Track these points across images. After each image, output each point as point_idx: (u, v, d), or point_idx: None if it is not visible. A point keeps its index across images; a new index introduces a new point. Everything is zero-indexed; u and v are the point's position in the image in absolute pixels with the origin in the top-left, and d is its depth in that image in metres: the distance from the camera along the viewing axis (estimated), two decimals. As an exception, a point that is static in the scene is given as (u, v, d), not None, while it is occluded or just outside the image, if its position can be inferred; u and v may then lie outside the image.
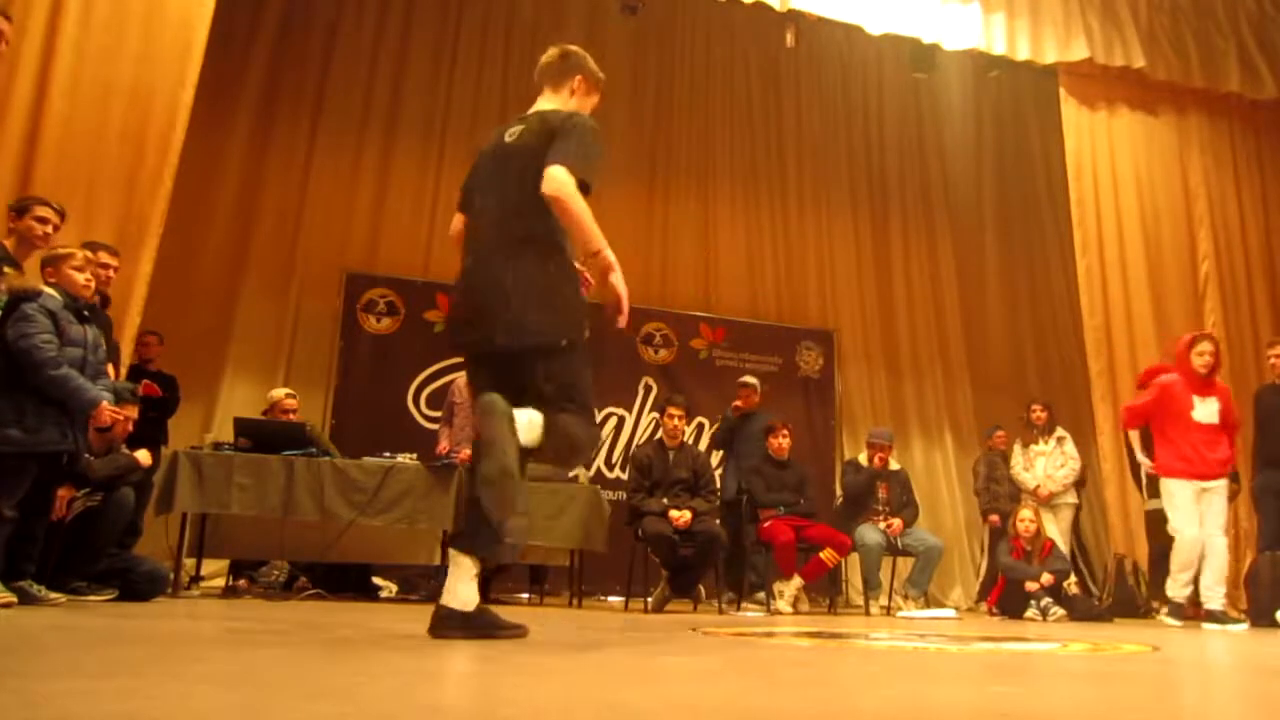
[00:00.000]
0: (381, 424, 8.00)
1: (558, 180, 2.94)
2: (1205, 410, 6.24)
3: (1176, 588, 6.23)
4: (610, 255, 2.97)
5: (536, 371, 2.99)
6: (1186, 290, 8.75)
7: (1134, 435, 6.53)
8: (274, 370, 8.26)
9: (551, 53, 3.42)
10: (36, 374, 4.02)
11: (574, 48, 3.44)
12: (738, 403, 7.84)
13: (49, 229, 4.42)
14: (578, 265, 3.20)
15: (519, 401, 2.88)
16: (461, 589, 2.93)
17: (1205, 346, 6.32)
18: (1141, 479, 7.28)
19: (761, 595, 6.95)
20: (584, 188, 3.00)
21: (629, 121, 9.89)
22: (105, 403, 4.23)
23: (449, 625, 2.90)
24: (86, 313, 4.44)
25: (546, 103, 3.36)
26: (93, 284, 4.51)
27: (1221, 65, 9.11)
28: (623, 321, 3.10)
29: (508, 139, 3.24)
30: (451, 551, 3.05)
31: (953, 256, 10.74)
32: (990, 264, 10.93)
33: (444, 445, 6.56)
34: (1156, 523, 7.47)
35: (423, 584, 6.44)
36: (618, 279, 2.98)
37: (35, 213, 4.39)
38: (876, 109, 10.85)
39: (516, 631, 3.04)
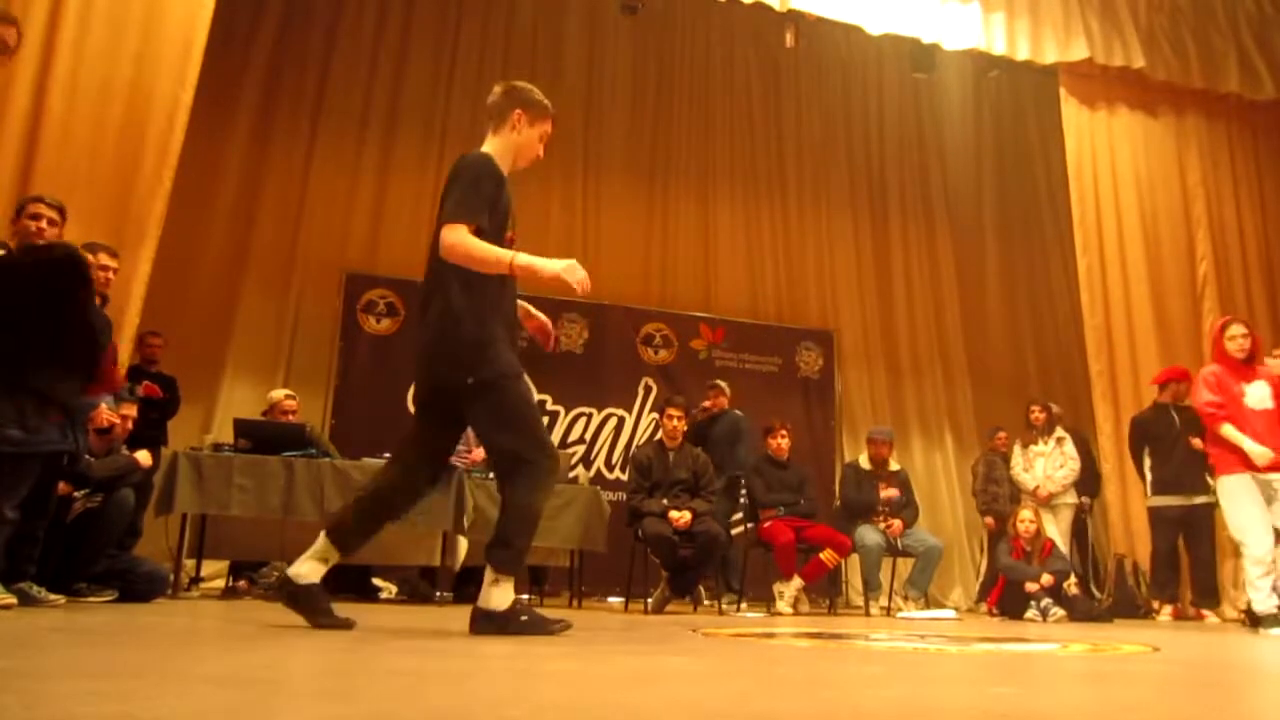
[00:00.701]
0: (381, 425, 7.97)
1: (445, 242, 3.15)
2: (1256, 395, 5.74)
3: (1261, 598, 5.46)
4: (540, 264, 3.17)
5: (465, 413, 3.27)
6: (1185, 290, 8.76)
7: (1228, 429, 5.73)
8: (274, 371, 8.26)
9: (495, 90, 3.49)
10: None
11: (518, 83, 3.51)
12: (706, 404, 7.80)
13: (42, 224, 4.37)
14: (533, 321, 3.59)
15: (455, 433, 3.43)
16: (495, 592, 3.29)
17: (1236, 330, 5.87)
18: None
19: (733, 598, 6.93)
20: (478, 232, 3.19)
21: (629, 122, 9.90)
22: (104, 404, 4.23)
23: (485, 623, 3.23)
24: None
25: (488, 144, 3.44)
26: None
27: (1221, 66, 9.12)
28: (550, 345, 3.63)
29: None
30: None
31: (953, 256, 10.74)
32: (990, 264, 10.94)
33: (478, 454, 6.54)
34: (1159, 520, 7.48)
35: (419, 584, 6.43)
36: (570, 275, 3.19)
37: (28, 210, 4.37)
38: (876, 109, 10.86)
39: (560, 626, 3.37)
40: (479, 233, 3.19)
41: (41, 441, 4.04)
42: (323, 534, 3.34)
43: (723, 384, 7.96)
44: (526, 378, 3.34)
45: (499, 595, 3.26)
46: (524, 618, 3.27)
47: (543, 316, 3.58)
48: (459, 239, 3.13)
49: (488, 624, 3.21)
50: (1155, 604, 7.50)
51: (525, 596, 7.13)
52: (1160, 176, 8.98)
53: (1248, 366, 5.84)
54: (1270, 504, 5.50)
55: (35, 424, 4.02)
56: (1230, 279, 8.93)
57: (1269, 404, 5.71)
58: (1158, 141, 9.08)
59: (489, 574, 3.27)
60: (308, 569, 3.27)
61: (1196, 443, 6.37)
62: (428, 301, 3.28)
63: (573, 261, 3.21)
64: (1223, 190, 9.15)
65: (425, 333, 3.27)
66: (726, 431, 7.55)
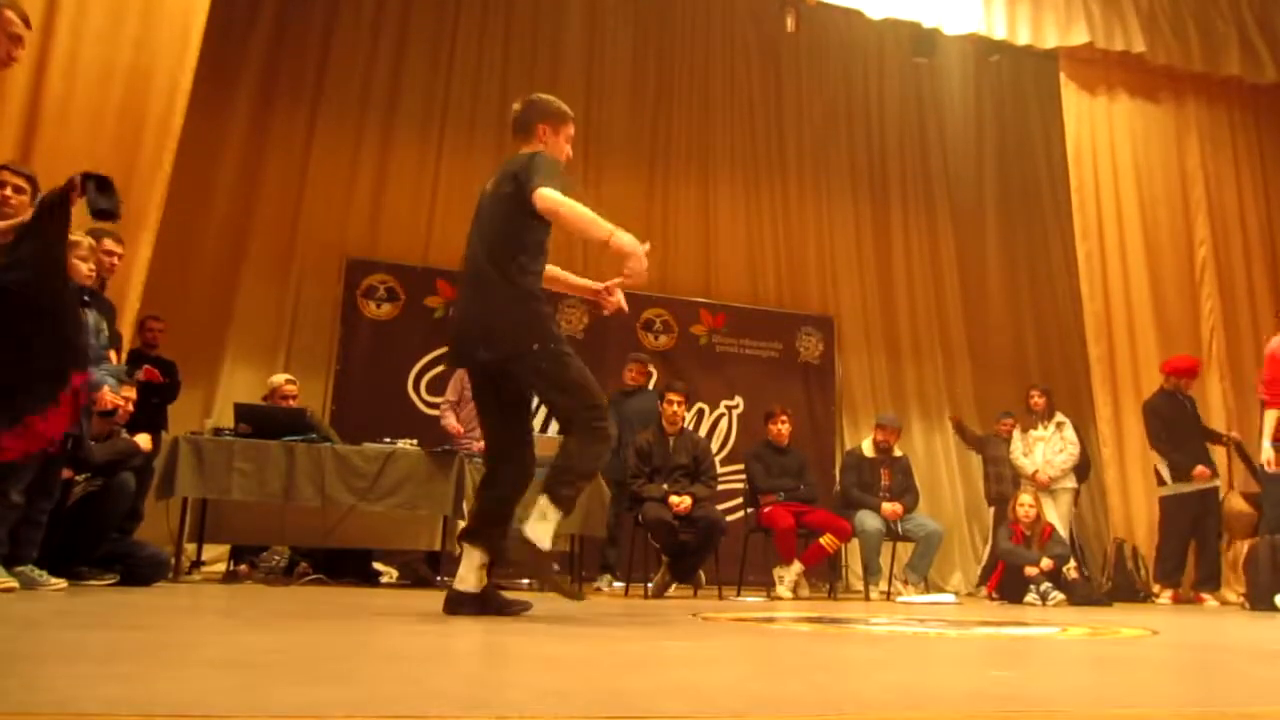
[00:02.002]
0: (382, 410, 8.00)
1: (544, 196, 3.30)
2: None
3: None
4: (624, 237, 3.30)
5: (524, 377, 3.45)
6: (1184, 275, 8.76)
7: (1272, 416, 5.73)
8: (274, 356, 8.25)
9: (515, 108, 3.73)
10: None
11: (535, 96, 3.77)
12: (630, 376, 7.73)
13: (7, 191, 4.20)
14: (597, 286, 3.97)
15: (521, 413, 3.64)
16: (470, 574, 3.42)
17: None
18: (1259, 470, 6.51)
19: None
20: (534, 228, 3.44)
21: (629, 107, 9.86)
22: (107, 387, 4.22)
23: (460, 604, 3.37)
24: (87, 298, 4.42)
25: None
26: (95, 273, 4.50)
27: (1222, 49, 9.08)
28: (611, 307, 3.96)
29: (487, 188, 3.61)
30: (463, 543, 3.54)
31: (953, 242, 10.72)
32: (990, 249, 10.91)
33: (455, 425, 6.54)
34: (1175, 508, 7.45)
35: (421, 569, 6.45)
36: (635, 251, 3.31)
37: (2, 177, 4.26)
38: (877, 94, 10.81)
39: (521, 607, 3.48)
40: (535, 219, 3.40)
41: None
42: (467, 545, 3.52)
43: (645, 358, 7.85)
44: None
45: (543, 529, 3.35)
46: (556, 567, 3.47)
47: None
48: (561, 199, 3.30)
49: (525, 550, 3.32)
50: (1156, 588, 7.51)
51: (525, 581, 7.16)
52: (1160, 161, 8.95)
53: None
54: None
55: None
56: (1230, 264, 8.91)
57: None
58: (1158, 126, 9.05)
59: (540, 503, 3.38)
60: (473, 579, 3.45)
61: (1235, 434, 6.35)
62: (480, 285, 3.47)
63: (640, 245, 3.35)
64: (1224, 174, 9.12)
65: (487, 310, 3.45)
66: (649, 408, 7.44)
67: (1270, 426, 5.66)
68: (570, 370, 3.40)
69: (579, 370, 3.43)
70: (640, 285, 3.51)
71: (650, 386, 8.79)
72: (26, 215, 3.91)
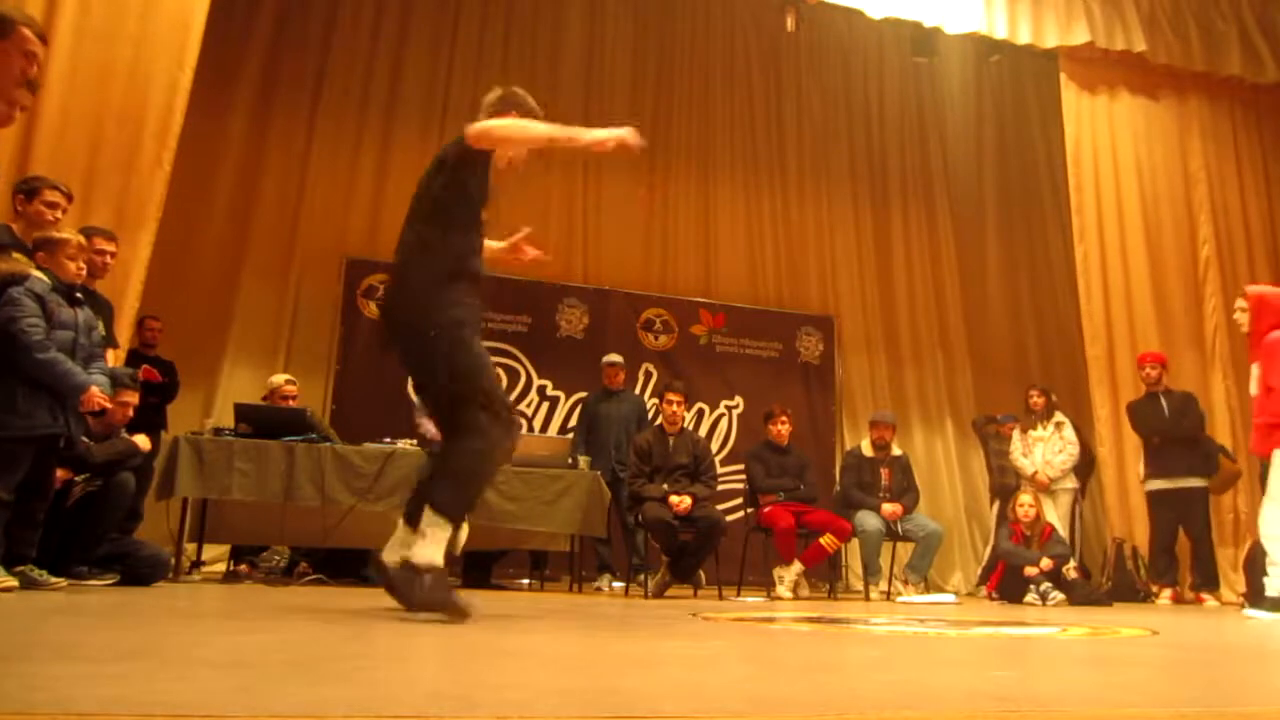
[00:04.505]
0: (381, 410, 7.97)
1: (472, 128, 3.21)
2: (1253, 378, 5.57)
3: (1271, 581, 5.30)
4: (594, 132, 3.21)
5: (420, 358, 3.27)
6: (1186, 275, 8.74)
7: None
8: (274, 356, 8.25)
9: (493, 93, 3.56)
10: (24, 358, 4.01)
11: (514, 88, 3.60)
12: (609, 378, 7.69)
13: (59, 214, 4.43)
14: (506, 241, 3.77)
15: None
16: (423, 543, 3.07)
17: (1237, 303, 5.74)
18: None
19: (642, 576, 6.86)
20: (462, 220, 3.32)
21: (629, 106, 9.85)
22: (95, 387, 4.22)
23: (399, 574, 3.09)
24: (79, 295, 4.42)
25: None
26: (84, 271, 4.50)
27: (1222, 48, 9.07)
28: (527, 255, 3.86)
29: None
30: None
31: (953, 242, 10.73)
32: (991, 249, 10.92)
33: (436, 434, 6.53)
34: (1156, 504, 7.50)
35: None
36: (612, 136, 3.21)
37: (45, 197, 4.40)
38: (877, 94, 10.82)
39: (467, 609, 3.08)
40: (463, 222, 3.30)
41: (32, 425, 4.04)
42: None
43: (620, 360, 7.80)
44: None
45: (432, 551, 3.01)
46: (430, 580, 2.97)
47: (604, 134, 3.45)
48: (492, 122, 3.23)
49: (401, 574, 3.04)
50: (1155, 588, 7.52)
51: (525, 581, 7.17)
52: (1162, 161, 8.95)
53: (1252, 344, 5.63)
54: None
55: (26, 409, 4.03)
56: (1234, 263, 8.91)
57: (1253, 388, 5.58)
58: (1159, 126, 9.05)
59: (425, 518, 3.07)
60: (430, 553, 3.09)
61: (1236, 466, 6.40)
62: (397, 271, 3.35)
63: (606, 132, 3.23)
64: (1225, 174, 9.12)
65: (399, 291, 3.33)
66: (627, 412, 7.50)
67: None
68: (463, 356, 3.18)
69: (475, 357, 3.21)
70: (635, 154, 3.33)
71: (637, 389, 8.81)
72: None
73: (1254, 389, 5.55)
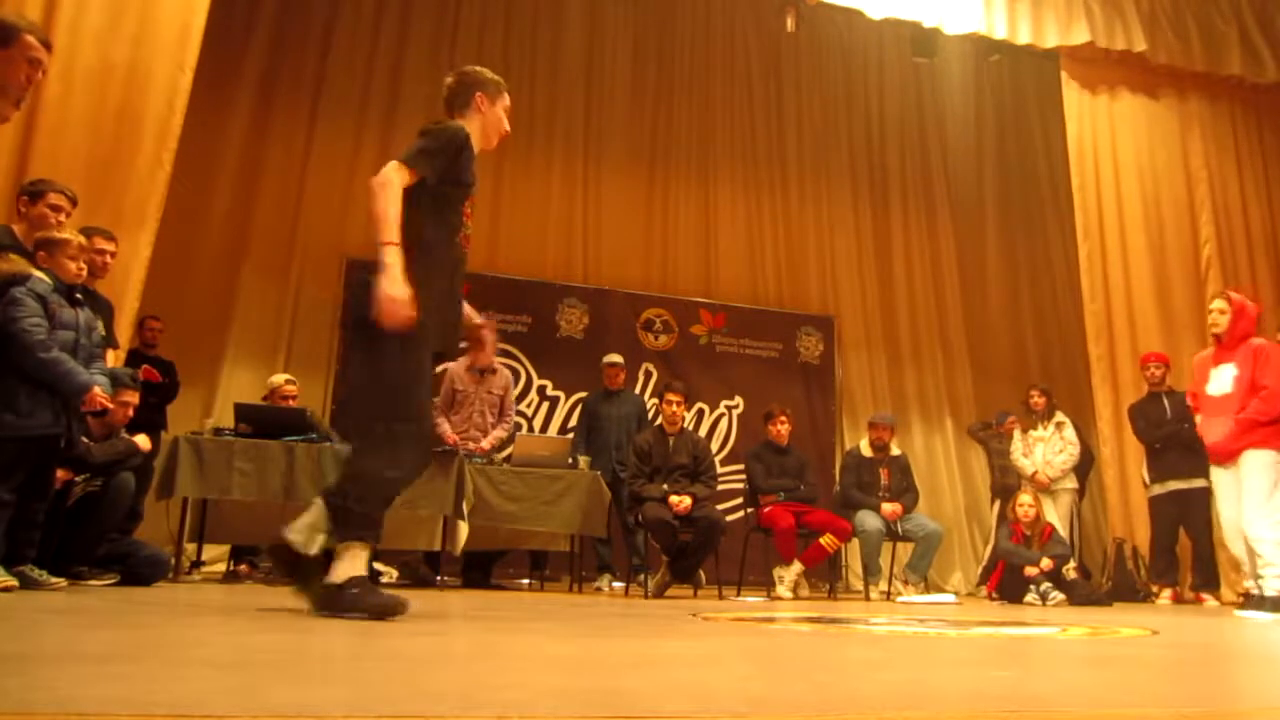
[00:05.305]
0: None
1: (382, 176, 3.12)
2: (1219, 380, 5.71)
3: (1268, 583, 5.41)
4: (391, 276, 2.93)
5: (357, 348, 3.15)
6: (1188, 274, 8.74)
7: (1198, 420, 5.88)
8: (274, 356, 8.26)
9: (447, 81, 3.52)
10: (26, 358, 4.01)
11: (467, 68, 3.54)
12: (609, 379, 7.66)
13: (62, 217, 4.43)
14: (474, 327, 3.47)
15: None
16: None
17: (1214, 305, 5.84)
18: None
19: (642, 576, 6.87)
20: (435, 190, 3.21)
21: (629, 106, 9.87)
22: (97, 387, 4.22)
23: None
24: (79, 295, 4.42)
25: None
26: (85, 271, 4.50)
27: (1223, 48, 9.08)
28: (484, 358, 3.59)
29: None
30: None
31: (953, 242, 10.73)
32: (991, 249, 10.93)
33: (451, 436, 6.55)
34: (1154, 509, 7.51)
35: (421, 569, 6.45)
36: (389, 305, 2.91)
37: (49, 200, 4.40)
38: (877, 94, 10.83)
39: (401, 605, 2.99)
40: (436, 192, 3.21)
41: (33, 425, 4.04)
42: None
43: (620, 360, 7.75)
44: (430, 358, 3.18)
45: (346, 566, 2.94)
46: (355, 590, 2.90)
47: (480, 321, 3.45)
48: (385, 181, 3.09)
49: (326, 598, 2.94)
50: (1155, 588, 7.52)
51: (525, 581, 7.17)
52: (1163, 160, 8.94)
53: (1226, 345, 5.76)
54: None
55: (28, 408, 4.03)
56: (1235, 263, 8.90)
57: (1227, 388, 5.64)
58: (1160, 125, 9.05)
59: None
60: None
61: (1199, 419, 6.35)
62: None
63: (407, 296, 2.93)
64: (1226, 173, 9.12)
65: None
66: (628, 412, 7.51)
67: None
68: (391, 361, 3.03)
69: (409, 367, 3.07)
70: (397, 325, 2.94)
71: (637, 389, 8.81)
72: None
73: (1228, 388, 5.64)
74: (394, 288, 2.92)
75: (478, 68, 3.53)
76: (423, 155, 3.20)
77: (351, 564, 2.94)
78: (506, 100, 3.53)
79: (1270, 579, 5.29)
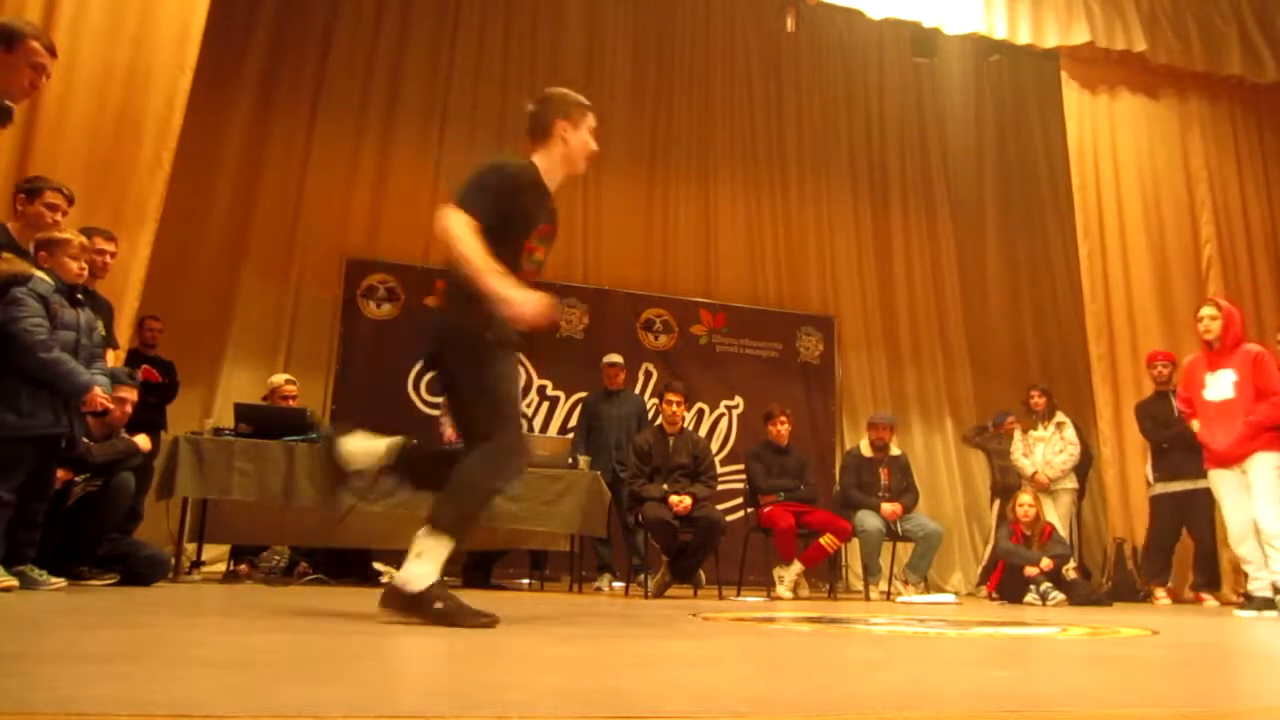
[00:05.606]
0: (381, 410, 7.99)
1: (442, 218, 3.02)
2: (1217, 385, 5.83)
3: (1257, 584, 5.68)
4: (500, 289, 2.93)
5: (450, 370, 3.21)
6: (1189, 274, 8.73)
7: (1195, 425, 6.06)
8: (274, 356, 8.26)
9: (529, 106, 3.48)
10: (27, 358, 4.01)
11: (551, 91, 3.54)
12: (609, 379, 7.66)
13: (59, 215, 4.42)
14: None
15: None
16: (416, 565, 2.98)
17: (1204, 311, 5.96)
18: None
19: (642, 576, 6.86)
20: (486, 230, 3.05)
21: (630, 107, 9.87)
22: (98, 388, 4.22)
23: (393, 600, 2.94)
24: (80, 296, 4.43)
25: (535, 157, 3.38)
26: (86, 271, 4.50)
27: (1223, 48, 9.07)
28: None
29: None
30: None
31: (953, 242, 10.73)
32: (991, 249, 10.92)
33: (450, 434, 6.56)
34: (1154, 509, 7.50)
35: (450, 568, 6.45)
36: (514, 305, 2.94)
37: (46, 199, 4.38)
38: (877, 94, 10.82)
39: (486, 620, 3.00)
40: (493, 227, 3.07)
41: (35, 426, 4.04)
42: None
43: (620, 360, 7.75)
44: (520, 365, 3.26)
45: (420, 570, 2.93)
46: (439, 605, 2.88)
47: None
48: (457, 231, 2.99)
49: (395, 601, 2.91)
50: (1150, 587, 7.49)
51: (525, 581, 7.17)
52: (1163, 160, 8.94)
53: (1219, 352, 5.86)
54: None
55: (29, 408, 4.03)
56: (1235, 262, 8.90)
57: (1229, 393, 5.74)
58: (1160, 125, 9.04)
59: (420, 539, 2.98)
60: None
61: (1195, 425, 6.38)
62: (443, 284, 3.24)
63: (526, 295, 2.97)
64: (1226, 173, 9.11)
65: (436, 310, 3.30)
66: (628, 412, 7.53)
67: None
68: (490, 374, 3.11)
69: (504, 378, 3.15)
70: (541, 326, 3.07)
71: (637, 389, 8.81)
72: None
73: (1230, 393, 5.75)
74: (509, 295, 2.93)
75: (561, 91, 3.53)
76: (474, 196, 3.11)
77: (432, 560, 2.92)
78: (592, 120, 3.51)
79: None
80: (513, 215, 3.18)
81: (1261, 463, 5.58)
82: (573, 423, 8.39)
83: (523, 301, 2.95)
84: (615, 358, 7.72)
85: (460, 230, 3.00)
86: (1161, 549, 7.46)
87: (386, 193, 8.93)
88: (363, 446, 3.28)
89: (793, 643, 3.04)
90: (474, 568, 6.63)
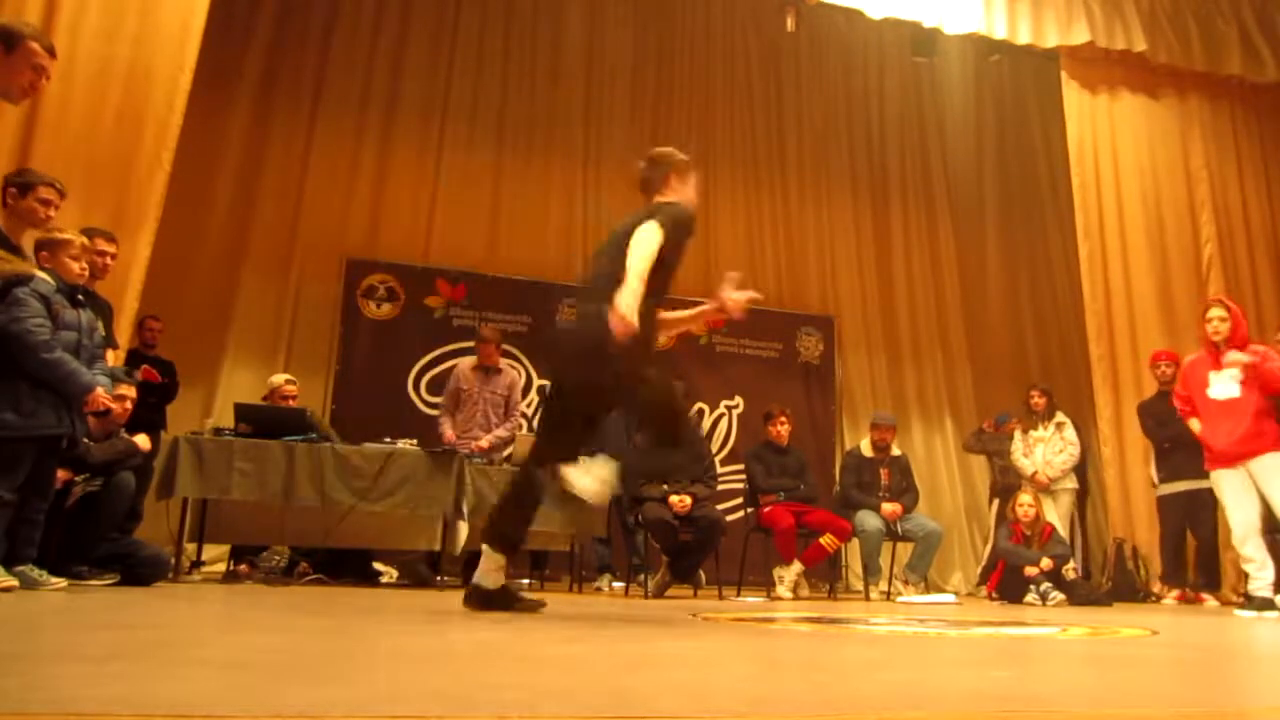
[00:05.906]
0: (381, 410, 7.99)
1: (638, 234, 3.48)
2: (1221, 384, 5.83)
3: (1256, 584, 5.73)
4: (629, 316, 3.24)
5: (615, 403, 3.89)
6: (1189, 274, 8.72)
7: (1194, 424, 6.10)
8: (274, 356, 8.25)
9: (640, 166, 4.03)
10: (30, 358, 4.01)
11: (656, 152, 4.07)
12: None
13: (52, 211, 4.39)
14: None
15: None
16: (490, 574, 3.66)
17: (1213, 312, 5.93)
18: None
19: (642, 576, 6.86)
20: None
21: (629, 107, 9.86)
22: (100, 388, 4.22)
23: (477, 599, 3.61)
24: (81, 296, 4.42)
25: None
26: (87, 272, 4.50)
27: (1223, 48, 9.07)
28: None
29: (618, 226, 3.82)
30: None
31: (953, 242, 10.72)
32: (991, 249, 10.92)
33: (450, 435, 6.56)
34: (1162, 509, 7.49)
35: (421, 569, 6.45)
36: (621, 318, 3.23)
37: (39, 194, 4.34)
38: (877, 94, 10.81)
39: (535, 605, 3.73)
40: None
41: (36, 425, 4.04)
42: (485, 546, 3.77)
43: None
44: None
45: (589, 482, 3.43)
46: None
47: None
48: (641, 250, 3.39)
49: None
50: (1164, 589, 7.48)
51: (525, 581, 7.17)
52: (1163, 160, 8.93)
53: (1224, 351, 5.85)
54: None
55: (31, 408, 4.03)
56: (1236, 262, 8.89)
57: (1234, 392, 5.75)
58: (1160, 125, 9.04)
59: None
60: (490, 579, 3.68)
61: (1194, 424, 6.38)
62: (584, 314, 3.63)
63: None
64: (1227, 173, 9.11)
65: (580, 333, 3.66)
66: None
67: (1197, 429, 6.06)
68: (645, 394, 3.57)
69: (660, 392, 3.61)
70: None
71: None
72: None
73: (1235, 392, 5.76)
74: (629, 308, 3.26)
75: (669, 150, 3.99)
76: (666, 224, 3.52)
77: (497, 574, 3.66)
78: (693, 178, 4.02)
79: None
80: (676, 250, 3.62)
81: (1272, 462, 5.59)
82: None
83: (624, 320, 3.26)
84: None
85: (643, 255, 3.42)
86: (1169, 552, 7.46)
87: (386, 193, 8.93)
88: (582, 481, 3.48)
89: (792, 643, 3.04)
90: (474, 568, 6.59)
